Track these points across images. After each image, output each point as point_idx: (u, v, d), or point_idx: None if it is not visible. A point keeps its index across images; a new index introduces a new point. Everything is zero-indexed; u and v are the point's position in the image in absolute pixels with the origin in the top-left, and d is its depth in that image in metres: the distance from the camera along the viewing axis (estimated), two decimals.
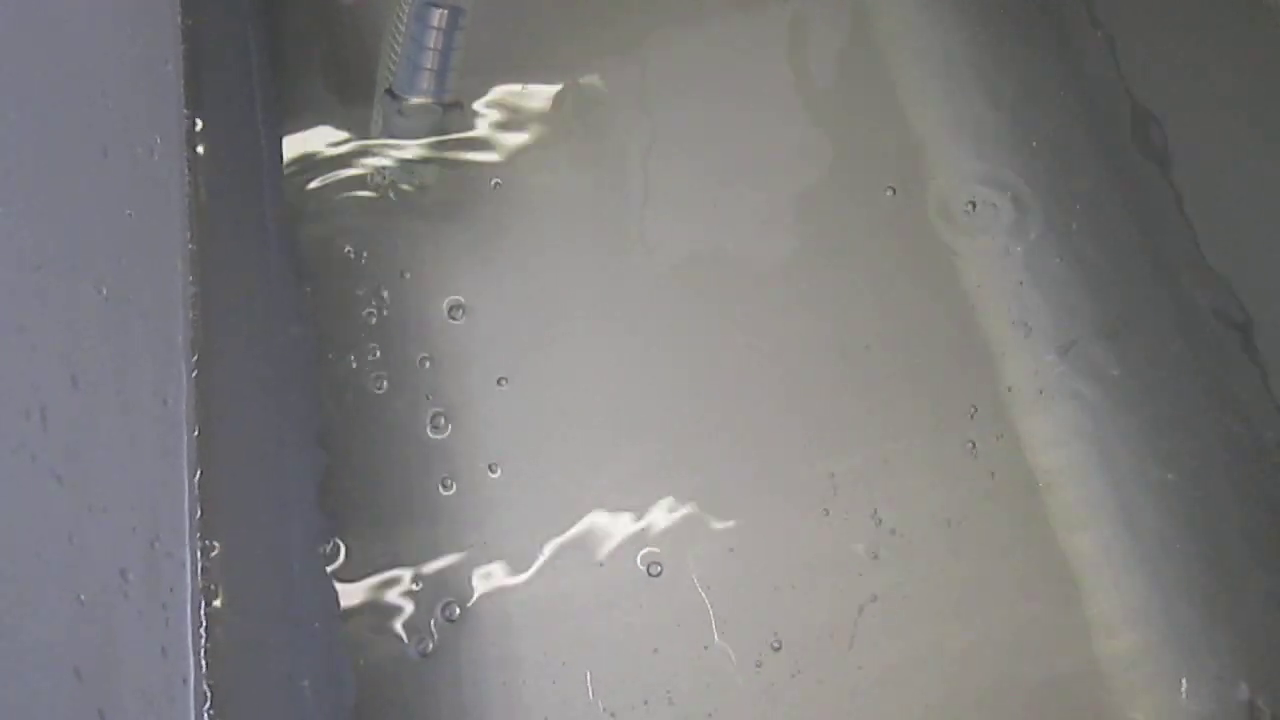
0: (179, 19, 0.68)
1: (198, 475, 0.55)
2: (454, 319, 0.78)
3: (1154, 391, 0.75)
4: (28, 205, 0.45)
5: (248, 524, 0.60)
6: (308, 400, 0.73)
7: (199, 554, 0.53)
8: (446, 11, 0.83)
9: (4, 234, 0.43)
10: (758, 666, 0.69)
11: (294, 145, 0.83)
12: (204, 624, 0.52)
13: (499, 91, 0.86)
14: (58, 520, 0.43)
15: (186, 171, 0.64)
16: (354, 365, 0.75)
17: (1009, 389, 0.76)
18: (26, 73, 0.46)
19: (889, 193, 0.82)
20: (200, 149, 0.67)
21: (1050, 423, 0.75)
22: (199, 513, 0.54)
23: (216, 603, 0.54)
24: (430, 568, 0.70)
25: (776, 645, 0.69)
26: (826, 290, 0.80)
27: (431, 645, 0.67)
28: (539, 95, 0.86)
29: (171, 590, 0.50)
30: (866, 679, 0.70)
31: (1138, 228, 0.79)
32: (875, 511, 0.73)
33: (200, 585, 0.53)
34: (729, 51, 0.88)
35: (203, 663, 0.51)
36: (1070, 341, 0.76)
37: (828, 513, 0.73)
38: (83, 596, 0.44)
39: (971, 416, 0.75)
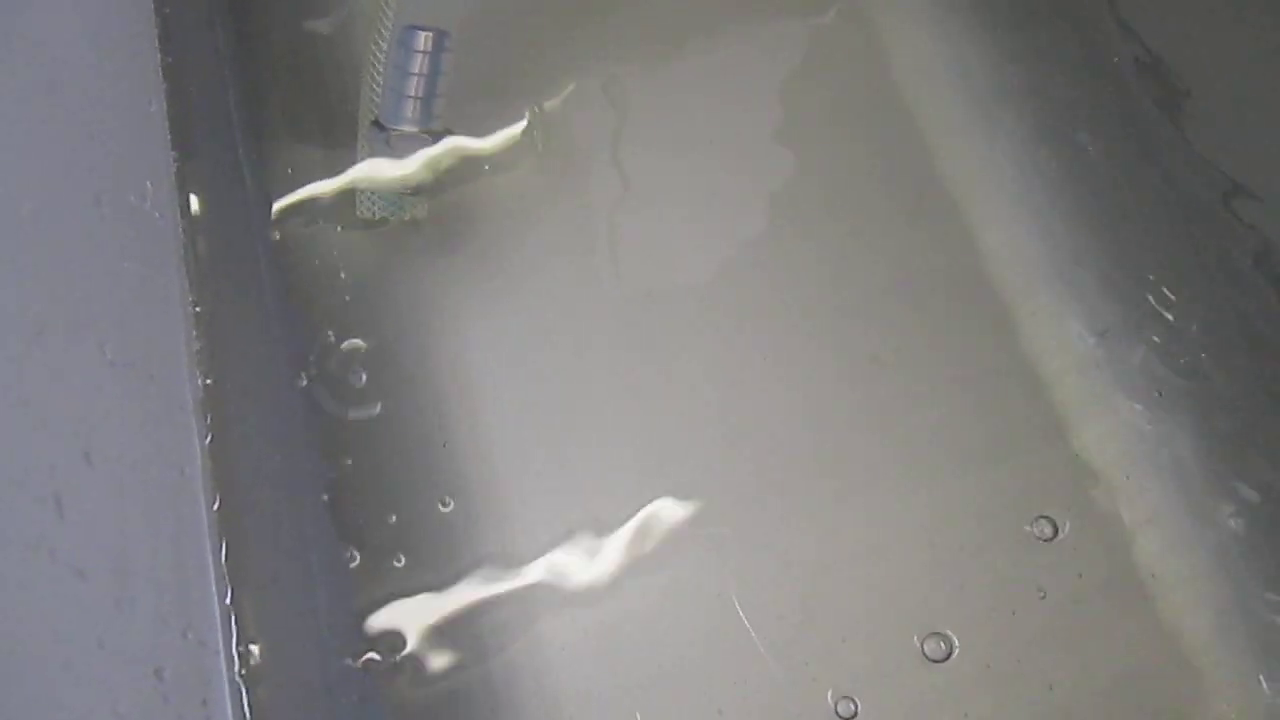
0: (159, 56, 0.61)
1: (223, 550, 0.48)
2: (452, 351, 0.73)
3: (1210, 378, 0.71)
4: (23, 263, 0.38)
5: (278, 597, 0.53)
6: (316, 451, 0.67)
7: (235, 639, 0.46)
8: (431, 35, 0.77)
9: (2, 297, 0.36)
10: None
11: (280, 185, 0.77)
12: (247, 717, 0.45)
13: (483, 117, 0.81)
14: (84, 622, 0.36)
15: (180, 218, 0.57)
16: (352, 403, 0.70)
17: (1054, 387, 0.72)
18: (13, 114, 0.39)
19: (902, 191, 0.78)
20: (191, 194, 0.60)
21: (1103, 421, 0.71)
22: (229, 592, 0.47)
23: (257, 693, 0.47)
24: (453, 612, 0.65)
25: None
26: (844, 297, 0.75)
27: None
28: (523, 118, 0.81)
29: (210, 684, 0.43)
30: (921, 692, 0.65)
31: (1177, 207, 0.75)
32: (915, 520, 0.68)
33: (239, 674, 0.45)
34: (717, 66, 0.83)
35: None
36: (1104, 328, 0.72)
37: (849, 521, 0.68)
38: (120, 708, 0.37)
39: (1014, 415, 0.71)
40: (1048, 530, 0.69)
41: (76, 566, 0.37)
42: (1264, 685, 0.64)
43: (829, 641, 0.67)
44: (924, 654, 0.67)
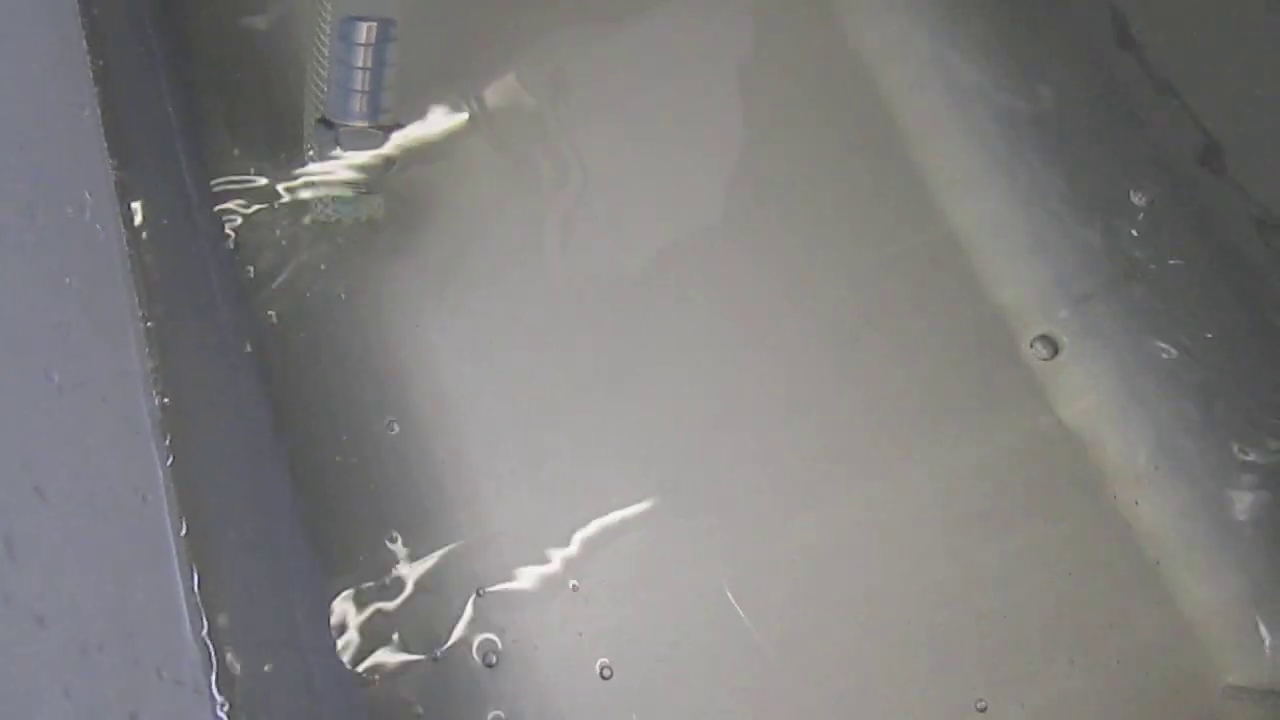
0: (89, 59, 0.57)
1: (195, 579, 0.45)
2: (419, 352, 0.70)
3: (1182, 329, 0.70)
4: None
5: (256, 624, 0.49)
6: (284, 465, 0.64)
7: (215, 674, 0.42)
8: (374, 25, 0.73)
9: None
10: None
11: (226, 190, 0.73)
12: None
13: (432, 109, 0.77)
14: (48, 672, 0.33)
15: (123, 229, 0.53)
16: (319, 411, 0.66)
17: (1029, 350, 0.70)
18: None
19: (868, 161, 0.75)
20: (132, 203, 0.56)
21: (1079, 380, 0.69)
22: (204, 624, 0.44)
23: None
24: (436, 620, 0.62)
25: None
26: (817, 274, 0.73)
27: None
28: (473, 109, 0.77)
29: None
30: (921, 673, 0.63)
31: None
32: (903, 492, 0.66)
33: (222, 712, 0.42)
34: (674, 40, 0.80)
35: None
36: (1085, 294, 0.70)
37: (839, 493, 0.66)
38: None
39: (998, 385, 0.69)
40: (1041, 497, 0.67)
41: (35, 612, 0.33)
42: (1266, 648, 0.63)
43: (828, 624, 0.64)
44: (926, 627, 0.65)
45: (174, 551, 0.44)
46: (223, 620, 0.45)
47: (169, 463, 0.48)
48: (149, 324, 0.51)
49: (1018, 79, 0.76)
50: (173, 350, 0.52)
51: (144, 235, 0.55)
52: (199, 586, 0.45)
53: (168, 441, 0.48)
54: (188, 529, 0.46)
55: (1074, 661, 0.63)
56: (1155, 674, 0.63)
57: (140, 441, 0.46)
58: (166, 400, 0.50)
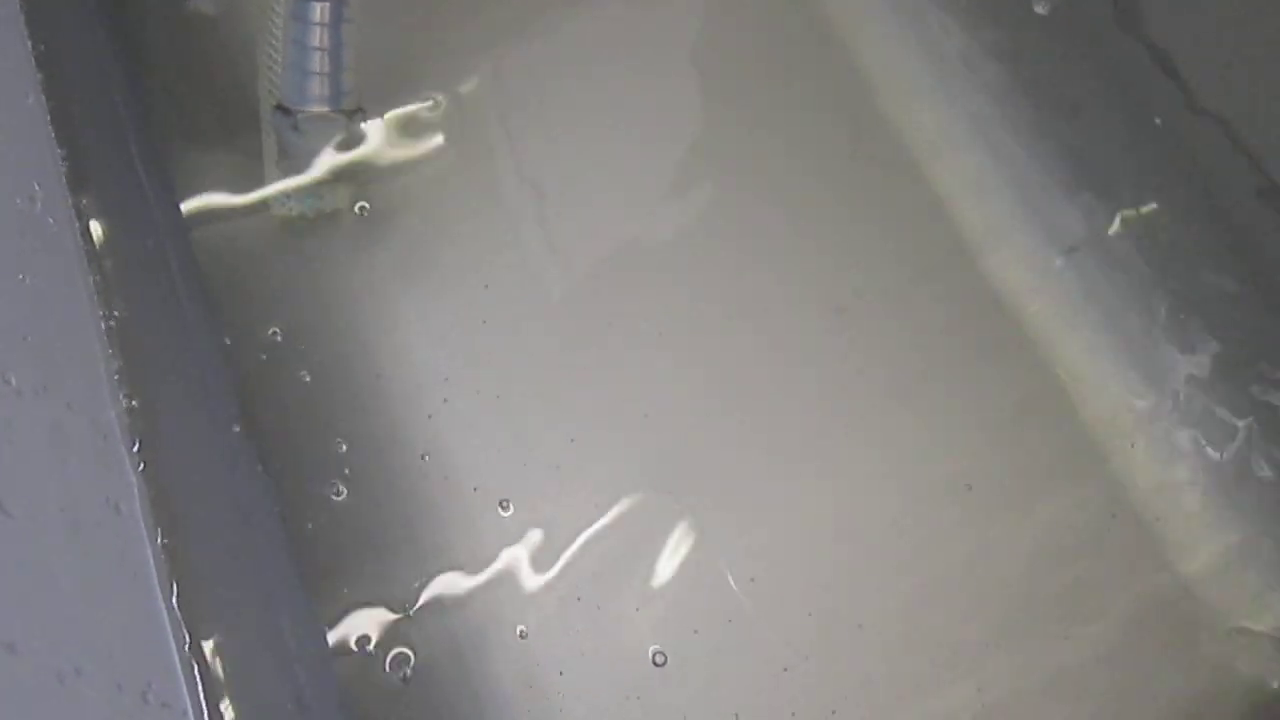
0: (29, 44, 0.53)
1: (174, 592, 0.42)
2: (394, 348, 0.67)
3: (1184, 283, 0.69)
4: None
5: (242, 633, 0.46)
6: (258, 464, 0.60)
7: (202, 694, 0.39)
8: (328, 4, 0.69)
9: None
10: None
11: (183, 182, 0.69)
12: None
13: (394, 95, 0.74)
14: (22, 705, 0.30)
15: (77, 221, 0.49)
16: (294, 408, 0.63)
17: (1026, 310, 0.69)
18: None
19: (841, 128, 0.73)
20: (85, 194, 0.53)
21: (1072, 334, 0.68)
22: (187, 639, 0.41)
23: None
24: (424, 617, 0.59)
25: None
26: (796, 248, 0.71)
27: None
28: (436, 94, 0.75)
29: None
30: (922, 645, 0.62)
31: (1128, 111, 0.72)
32: (892, 468, 0.64)
33: None
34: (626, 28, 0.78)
35: None
36: (1070, 247, 0.69)
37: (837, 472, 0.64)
38: None
39: (990, 343, 0.68)
40: (1045, 458, 0.66)
41: (3, 639, 0.30)
42: None
43: (828, 606, 0.63)
44: (919, 600, 0.64)
45: (152, 564, 0.41)
46: (208, 635, 0.42)
47: (141, 469, 0.44)
48: (111, 322, 0.48)
49: (992, 30, 0.74)
50: (139, 349, 0.49)
51: (99, 227, 0.52)
52: (180, 600, 0.41)
53: (138, 447, 0.45)
54: (165, 539, 0.43)
55: (1080, 618, 0.62)
56: (1162, 627, 0.62)
57: (109, 447, 0.43)
58: (135, 403, 0.46)
